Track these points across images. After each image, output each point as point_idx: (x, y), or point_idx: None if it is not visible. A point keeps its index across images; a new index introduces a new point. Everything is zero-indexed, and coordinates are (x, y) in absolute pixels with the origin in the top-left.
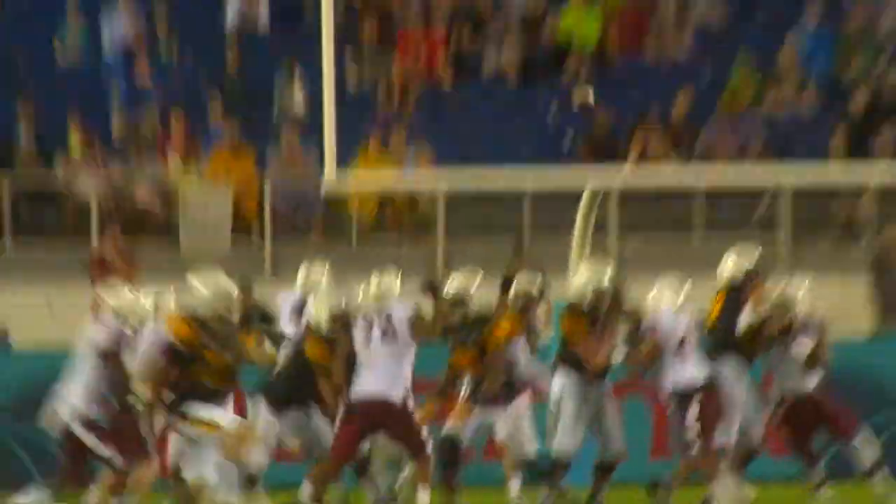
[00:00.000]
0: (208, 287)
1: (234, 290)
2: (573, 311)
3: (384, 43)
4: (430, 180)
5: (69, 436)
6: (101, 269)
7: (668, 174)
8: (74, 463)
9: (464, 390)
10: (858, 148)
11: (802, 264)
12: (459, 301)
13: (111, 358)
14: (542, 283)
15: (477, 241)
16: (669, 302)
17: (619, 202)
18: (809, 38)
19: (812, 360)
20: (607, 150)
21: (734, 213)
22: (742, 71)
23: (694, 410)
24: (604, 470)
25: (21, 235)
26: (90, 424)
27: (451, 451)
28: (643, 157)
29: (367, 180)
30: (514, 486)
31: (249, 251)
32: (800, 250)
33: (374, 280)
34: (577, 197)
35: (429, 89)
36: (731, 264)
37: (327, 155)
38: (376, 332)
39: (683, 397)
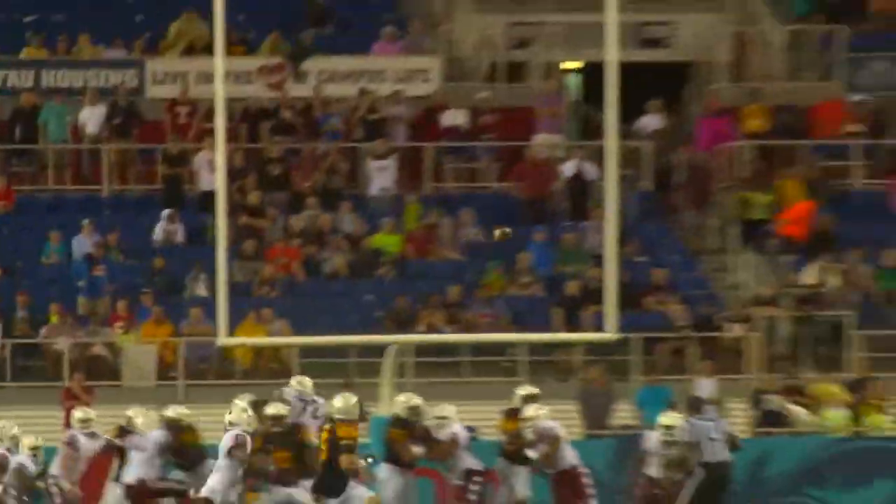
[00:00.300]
0: (344, 401)
1: (357, 402)
2: (396, 423)
3: (259, 253)
4: (288, 340)
5: None
6: (69, 399)
7: (445, 336)
8: None
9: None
10: (571, 320)
11: (537, 396)
12: (279, 418)
13: (234, 453)
14: (362, 405)
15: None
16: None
17: (415, 354)
18: (538, 249)
19: (546, 460)
20: (405, 322)
21: (492, 362)
22: (493, 270)
23: (475, 486)
24: None
25: (17, 376)
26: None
27: None
28: (432, 325)
29: (247, 340)
30: None
31: (169, 387)
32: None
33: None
34: (384, 350)
35: (287, 282)
36: (514, 397)
37: (220, 324)
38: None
39: (469, 475)
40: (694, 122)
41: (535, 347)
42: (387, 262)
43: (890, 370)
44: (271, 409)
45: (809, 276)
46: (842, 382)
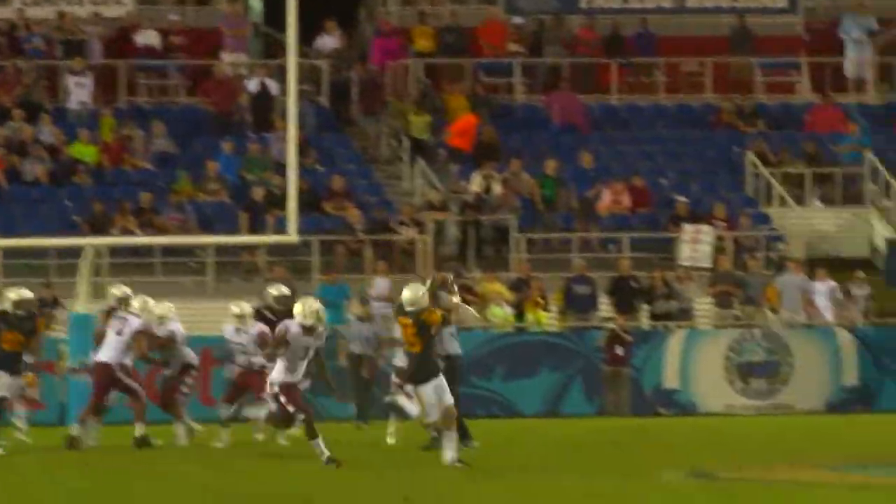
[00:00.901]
0: (412, 292)
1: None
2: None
3: None
4: None
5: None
6: None
7: (138, 238)
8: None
9: None
10: (255, 224)
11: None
12: (22, 302)
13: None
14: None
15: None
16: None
17: (110, 256)
18: (224, 158)
19: None
20: (101, 226)
21: (182, 263)
22: (183, 178)
23: (190, 379)
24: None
25: None
26: (285, 388)
27: None
28: (126, 229)
29: None
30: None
31: None
32: (222, 284)
33: None
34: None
35: None
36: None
37: None
38: None
39: (185, 369)
40: (367, 42)
41: (222, 249)
42: (84, 171)
43: (550, 270)
44: (13, 294)
45: (475, 183)
46: (506, 281)
